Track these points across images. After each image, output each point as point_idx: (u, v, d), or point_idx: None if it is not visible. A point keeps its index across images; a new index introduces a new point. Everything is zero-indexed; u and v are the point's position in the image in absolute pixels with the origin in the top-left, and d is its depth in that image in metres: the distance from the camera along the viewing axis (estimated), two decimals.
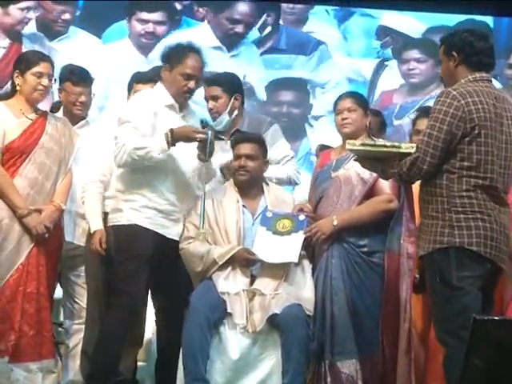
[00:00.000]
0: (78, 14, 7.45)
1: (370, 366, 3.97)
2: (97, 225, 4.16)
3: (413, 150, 3.48)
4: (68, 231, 4.41)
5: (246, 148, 4.27)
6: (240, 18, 7.60)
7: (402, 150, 3.51)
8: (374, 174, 3.96)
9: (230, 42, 7.58)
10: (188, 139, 4.06)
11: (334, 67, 7.68)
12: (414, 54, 7.72)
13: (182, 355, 3.94)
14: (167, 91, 4.15)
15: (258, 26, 7.61)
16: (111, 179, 4.20)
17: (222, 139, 4.53)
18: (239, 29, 7.58)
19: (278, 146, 4.60)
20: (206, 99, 4.59)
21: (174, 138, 4.00)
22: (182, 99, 4.19)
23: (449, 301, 3.46)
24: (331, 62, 7.67)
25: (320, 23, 7.76)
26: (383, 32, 7.78)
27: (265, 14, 7.62)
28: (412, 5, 7.60)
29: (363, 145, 3.57)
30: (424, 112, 4.39)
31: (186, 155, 4.13)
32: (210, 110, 4.57)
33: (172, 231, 4.16)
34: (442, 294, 3.50)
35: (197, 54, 4.19)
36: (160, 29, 7.45)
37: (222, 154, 4.41)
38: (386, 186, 4.05)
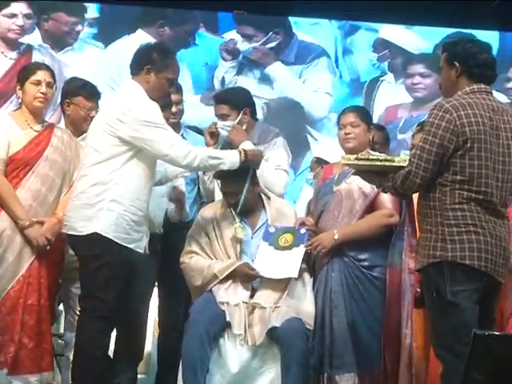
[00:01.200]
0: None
1: (369, 380, 3.98)
2: None
3: (405, 164, 3.48)
4: None
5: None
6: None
7: (395, 164, 3.52)
8: (376, 188, 3.96)
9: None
10: (255, 164, 4.14)
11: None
12: (419, 68, 7.74)
13: (181, 368, 3.94)
14: (145, 92, 4.03)
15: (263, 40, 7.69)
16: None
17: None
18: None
19: (277, 154, 4.57)
20: (218, 117, 4.57)
21: (247, 158, 4.06)
22: (159, 103, 4.10)
23: (444, 315, 3.45)
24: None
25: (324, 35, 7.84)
26: (381, 45, 7.81)
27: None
28: (414, 19, 7.63)
29: (357, 159, 3.60)
30: (422, 126, 4.40)
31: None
32: None
33: (140, 245, 4.07)
34: (437, 309, 3.49)
35: (175, 56, 4.21)
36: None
37: None
38: (387, 200, 4.06)
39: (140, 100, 3.99)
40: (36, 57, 7.24)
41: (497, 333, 3.13)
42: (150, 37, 7.24)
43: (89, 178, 3.96)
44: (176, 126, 4.63)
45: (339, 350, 3.99)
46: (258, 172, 4.26)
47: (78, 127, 4.50)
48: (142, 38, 7.10)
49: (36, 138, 4.23)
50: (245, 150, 4.07)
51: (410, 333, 3.91)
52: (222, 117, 4.52)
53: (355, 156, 3.64)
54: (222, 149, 4.25)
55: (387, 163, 3.55)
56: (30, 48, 7.32)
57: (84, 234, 3.92)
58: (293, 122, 7.60)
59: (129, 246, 3.95)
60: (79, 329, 3.99)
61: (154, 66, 4.03)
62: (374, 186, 3.94)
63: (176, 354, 4.04)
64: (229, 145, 4.30)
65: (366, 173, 3.69)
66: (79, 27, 7.42)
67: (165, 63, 4.06)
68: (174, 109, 4.66)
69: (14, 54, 7.27)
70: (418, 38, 7.88)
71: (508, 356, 2.88)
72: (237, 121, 4.46)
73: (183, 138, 4.81)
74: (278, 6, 7.42)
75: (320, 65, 7.74)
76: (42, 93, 4.20)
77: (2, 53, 7.25)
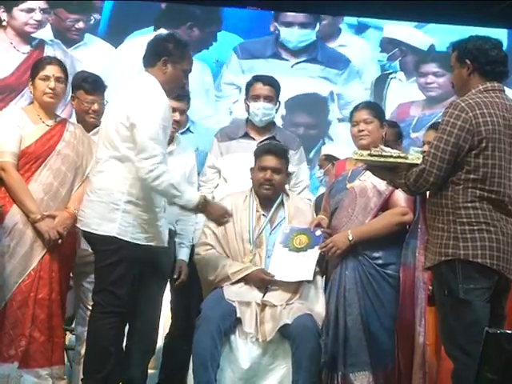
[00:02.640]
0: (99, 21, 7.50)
1: (384, 378, 3.96)
2: None
3: (419, 161, 3.47)
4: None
5: (273, 161, 4.28)
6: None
7: (408, 161, 3.51)
8: (390, 187, 3.94)
9: None
10: (216, 220, 4.04)
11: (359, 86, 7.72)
12: (432, 67, 7.70)
13: (192, 364, 3.94)
14: (159, 84, 3.97)
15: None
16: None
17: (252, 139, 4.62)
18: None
19: (301, 168, 4.68)
20: (257, 98, 4.63)
21: (205, 209, 3.95)
22: (173, 94, 4.11)
23: (456, 314, 3.43)
24: (357, 81, 7.72)
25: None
26: (389, 44, 7.77)
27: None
28: (423, 16, 7.60)
29: (370, 155, 3.58)
30: (435, 125, 4.40)
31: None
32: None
33: (161, 239, 4.04)
34: (449, 307, 3.47)
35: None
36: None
37: (244, 153, 4.45)
38: (401, 198, 4.05)
39: (155, 99, 3.90)
40: (48, 51, 7.23)
41: (509, 331, 3.12)
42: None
43: (105, 174, 3.93)
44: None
45: (353, 349, 3.97)
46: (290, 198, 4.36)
47: (82, 121, 4.53)
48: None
49: (48, 133, 4.24)
50: (207, 201, 3.95)
51: (423, 331, 3.89)
52: (267, 98, 4.59)
53: (368, 152, 3.62)
54: None
55: (400, 160, 3.53)
56: (42, 43, 7.31)
57: (100, 234, 3.91)
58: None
59: (148, 244, 3.94)
60: (91, 323, 3.98)
61: (170, 56, 3.99)
62: (388, 185, 3.92)
63: (183, 350, 4.04)
64: None
65: (378, 169, 3.67)
66: (80, 24, 7.41)
67: (182, 54, 4.03)
68: (177, 117, 4.54)
69: (26, 48, 7.27)
70: (426, 36, 7.85)
71: None
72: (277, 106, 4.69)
73: (189, 130, 4.85)
74: (287, 4, 7.41)
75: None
76: (50, 88, 4.20)
77: (14, 47, 7.26)
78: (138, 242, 3.90)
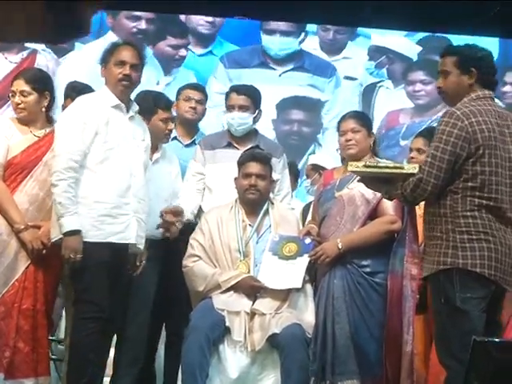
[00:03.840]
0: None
1: None
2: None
3: (415, 171, 3.44)
4: None
5: (256, 167, 4.29)
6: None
7: (404, 171, 3.49)
8: (378, 195, 3.94)
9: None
10: (63, 249, 3.95)
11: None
12: (420, 75, 7.72)
13: (180, 373, 3.93)
14: (110, 92, 4.10)
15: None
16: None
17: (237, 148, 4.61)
18: None
19: (283, 175, 4.66)
20: (232, 108, 4.62)
21: (65, 241, 3.91)
22: (121, 89, 4.10)
23: (452, 322, 3.42)
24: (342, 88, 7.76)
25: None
26: (377, 52, 7.79)
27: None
28: (415, 26, 7.62)
29: (366, 166, 3.55)
30: (424, 132, 4.40)
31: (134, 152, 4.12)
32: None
33: (126, 235, 4.03)
34: (445, 316, 3.46)
35: (129, 45, 4.20)
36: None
37: (229, 163, 4.45)
38: (389, 206, 4.05)
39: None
40: (40, 61, 7.23)
41: (497, 340, 3.12)
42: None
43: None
44: (190, 126, 4.88)
45: (341, 357, 3.97)
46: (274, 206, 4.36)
47: None
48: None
49: (36, 144, 4.22)
50: (72, 232, 3.90)
51: (411, 339, 3.88)
52: (242, 108, 4.57)
53: (363, 163, 3.61)
54: None
55: (397, 171, 3.51)
56: (34, 52, 7.30)
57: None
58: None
59: (106, 240, 3.93)
60: (71, 331, 3.98)
61: (104, 62, 4.13)
62: (376, 193, 3.91)
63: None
64: None
65: (373, 180, 3.64)
66: None
67: (110, 53, 4.11)
68: (192, 103, 4.81)
69: (16, 58, 7.26)
70: (413, 44, 7.88)
71: (508, 362, 2.86)
72: (255, 115, 4.61)
73: (194, 143, 4.83)
74: (280, 12, 7.42)
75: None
76: (15, 103, 4.23)
77: (6, 58, 7.25)
78: (93, 240, 3.90)
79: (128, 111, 4.13)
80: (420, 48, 7.81)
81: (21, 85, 4.23)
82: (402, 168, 3.51)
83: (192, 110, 4.89)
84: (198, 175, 4.60)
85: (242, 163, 4.33)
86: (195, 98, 4.90)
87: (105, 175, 3.98)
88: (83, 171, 3.96)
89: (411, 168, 3.49)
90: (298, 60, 7.73)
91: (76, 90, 4.60)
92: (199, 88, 5.12)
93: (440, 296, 3.47)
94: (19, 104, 4.21)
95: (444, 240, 3.45)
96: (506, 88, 7.81)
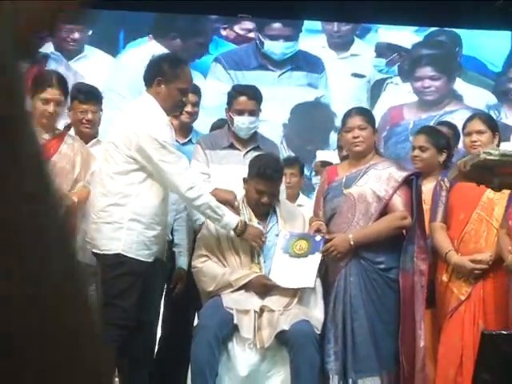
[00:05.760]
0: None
1: (389, 382, 3.95)
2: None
3: None
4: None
5: (270, 187, 4.19)
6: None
7: None
8: (390, 192, 3.94)
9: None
10: (253, 240, 4.09)
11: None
12: (428, 71, 7.70)
13: (190, 372, 3.92)
14: (159, 106, 4.02)
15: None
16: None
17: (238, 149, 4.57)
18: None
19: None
20: (241, 112, 4.51)
21: (244, 233, 4.04)
22: (173, 113, 4.15)
23: None
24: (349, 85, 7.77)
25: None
26: (385, 48, 7.77)
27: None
28: (421, 20, 7.60)
29: (502, 155, 3.11)
30: (425, 129, 4.41)
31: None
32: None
33: (161, 253, 4.10)
34: None
35: (187, 66, 4.21)
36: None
37: (233, 165, 4.43)
38: (399, 203, 4.04)
39: (153, 118, 3.95)
40: (51, 65, 7.25)
41: (505, 332, 3.11)
42: (163, 47, 7.22)
43: (107, 195, 3.95)
44: (186, 128, 4.73)
45: (362, 354, 3.96)
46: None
47: (78, 132, 4.55)
48: (154, 48, 7.06)
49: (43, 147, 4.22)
50: (246, 225, 4.03)
51: (423, 334, 3.90)
52: (251, 113, 4.51)
53: (497, 151, 3.16)
54: None
55: None
56: (45, 57, 7.31)
57: (107, 253, 3.93)
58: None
59: (150, 260, 3.97)
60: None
61: (163, 77, 4.01)
62: (388, 189, 3.90)
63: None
64: None
65: (483, 173, 3.21)
66: (76, 35, 7.43)
67: (175, 73, 4.03)
68: (189, 108, 4.69)
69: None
70: (420, 39, 7.86)
71: None
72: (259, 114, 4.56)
73: (191, 141, 4.84)
74: (282, 9, 7.42)
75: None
76: (49, 112, 4.22)
77: None
78: (142, 259, 3.93)
79: None
80: (428, 43, 7.79)
81: (56, 94, 4.23)
82: None
83: (188, 114, 4.86)
84: (203, 175, 4.57)
85: (254, 176, 4.20)
86: (192, 101, 4.83)
87: (157, 196, 3.99)
88: (148, 184, 3.95)
89: None
90: (295, 60, 7.75)
91: (82, 91, 4.61)
92: (195, 91, 4.97)
93: None
94: (52, 113, 4.20)
95: None
96: None
